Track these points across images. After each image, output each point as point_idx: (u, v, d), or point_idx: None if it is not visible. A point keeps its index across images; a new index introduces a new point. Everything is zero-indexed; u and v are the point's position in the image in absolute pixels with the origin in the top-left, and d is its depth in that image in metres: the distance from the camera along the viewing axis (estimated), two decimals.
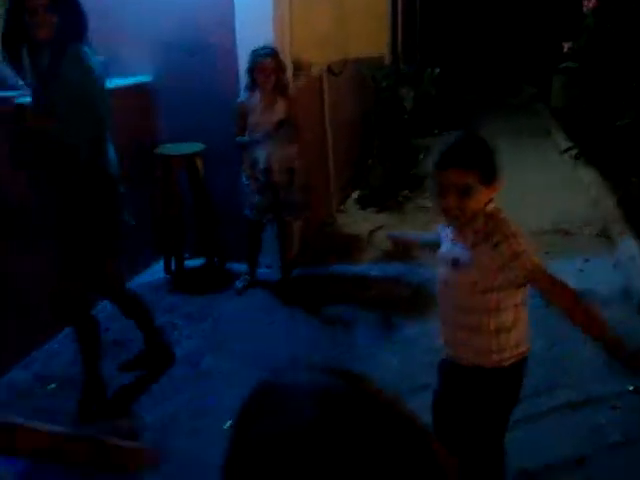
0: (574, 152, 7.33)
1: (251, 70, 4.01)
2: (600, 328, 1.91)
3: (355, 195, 6.27)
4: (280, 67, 4.06)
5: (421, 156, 7.44)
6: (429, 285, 4.37)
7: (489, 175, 1.94)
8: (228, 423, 2.77)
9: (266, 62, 3.95)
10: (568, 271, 4.69)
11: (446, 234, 2.14)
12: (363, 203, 6.07)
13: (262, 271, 4.53)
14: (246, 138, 4.06)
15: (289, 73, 4.41)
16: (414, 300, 4.20)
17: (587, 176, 6.75)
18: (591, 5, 5.61)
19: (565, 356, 3.49)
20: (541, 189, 6.64)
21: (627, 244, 4.83)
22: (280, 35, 4.37)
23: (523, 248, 1.92)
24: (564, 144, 7.89)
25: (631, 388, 3.25)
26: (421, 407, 3.04)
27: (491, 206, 2.00)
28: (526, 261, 1.91)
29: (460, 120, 10.02)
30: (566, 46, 7.29)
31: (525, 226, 6.01)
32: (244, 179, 4.16)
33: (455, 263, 2.04)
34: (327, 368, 0.76)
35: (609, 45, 5.90)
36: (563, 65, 7.43)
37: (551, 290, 1.97)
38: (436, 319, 2.25)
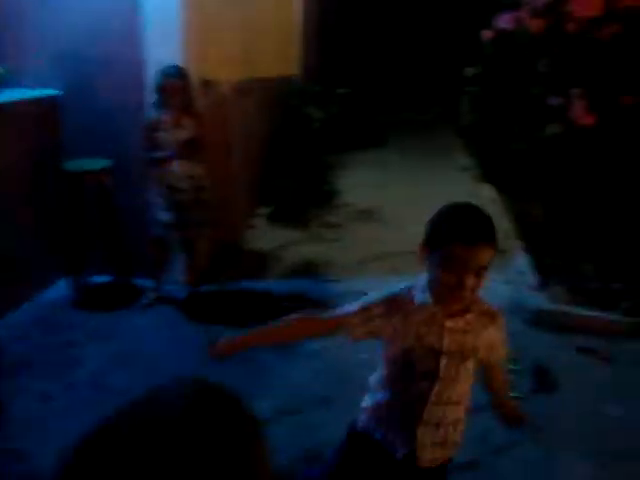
0: (475, 171, 7.71)
1: (158, 88, 4.04)
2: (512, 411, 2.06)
3: (264, 212, 6.37)
4: (187, 86, 4.11)
5: (330, 173, 7.64)
6: (335, 300, 4.52)
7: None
8: None
9: (173, 81, 4.00)
10: None
11: (426, 316, 1.82)
12: (272, 219, 6.18)
13: (169, 287, 4.54)
14: (156, 154, 4.09)
15: (196, 91, 4.47)
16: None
17: (486, 193, 7.13)
18: (489, 36, 5.96)
19: None
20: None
21: (519, 260, 5.16)
22: (187, 53, 4.42)
23: None
24: (466, 163, 8.28)
25: (517, 395, 3.48)
26: (321, 421, 3.18)
27: None
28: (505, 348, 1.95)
29: (370, 138, 10.35)
30: (469, 71, 7.67)
31: None
32: (153, 196, 4.17)
33: (456, 354, 1.83)
34: (201, 382, 0.81)
35: (505, 73, 6.27)
36: (467, 89, 7.82)
37: (503, 379, 2.03)
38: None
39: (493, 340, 1.89)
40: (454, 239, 1.67)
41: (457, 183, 8.01)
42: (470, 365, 1.87)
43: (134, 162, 4.26)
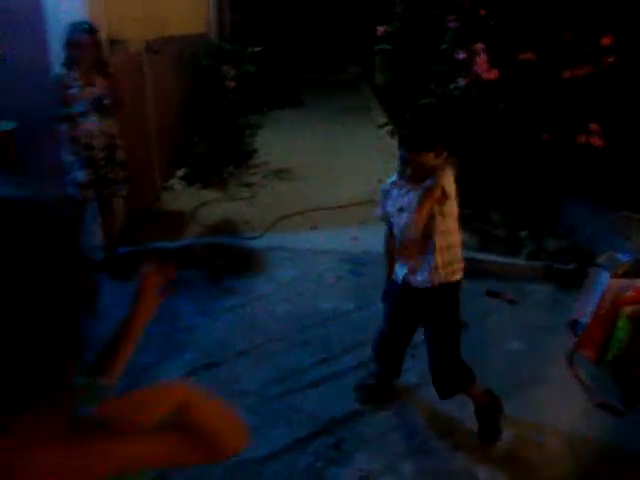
0: (390, 127, 7.83)
1: (67, 45, 3.92)
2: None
3: (181, 172, 6.30)
4: (97, 44, 4.00)
5: (247, 132, 7.59)
6: (250, 257, 4.60)
7: None
8: None
9: (82, 38, 3.88)
10: (379, 237, 5.13)
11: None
12: (188, 180, 6.13)
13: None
14: (68, 111, 3.97)
15: (106, 50, 4.36)
16: (235, 271, 4.38)
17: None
18: None
19: (371, 317, 3.84)
20: (360, 163, 7.09)
21: None
22: (94, 10, 4.30)
23: None
24: (382, 120, 8.40)
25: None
26: (243, 371, 3.26)
27: None
28: None
29: (287, 98, 10.32)
30: (380, 29, 7.72)
31: (343, 198, 6.36)
32: (67, 155, 4.06)
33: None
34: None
35: (415, 31, 6.38)
36: (379, 47, 7.88)
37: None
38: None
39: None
40: None
41: (372, 140, 8.15)
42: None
43: (43, 122, 4.13)
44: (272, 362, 3.39)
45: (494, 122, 4.81)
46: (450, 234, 2.69)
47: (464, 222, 4.93)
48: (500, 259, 4.58)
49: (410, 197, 2.66)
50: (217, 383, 3.20)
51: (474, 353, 3.51)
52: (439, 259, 2.68)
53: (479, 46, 4.34)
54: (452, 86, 4.71)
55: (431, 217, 2.59)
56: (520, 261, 4.56)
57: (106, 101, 4.02)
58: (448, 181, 2.56)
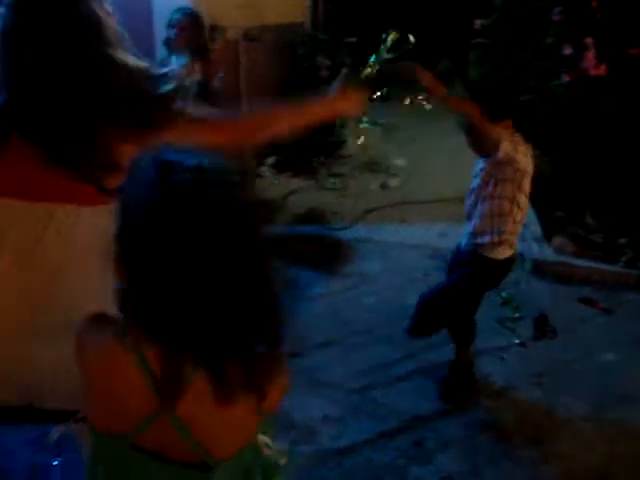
0: None
1: (167, 27, 4.03)
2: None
3: (271, 160, 6.35)
4: (198, 28, 4.09)
5: (338, 123, 7.56)
6: (338, 246, 4.59)
7: None
8: None
9: (181, 20, 3.98)
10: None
11: None
12: (278, 168, 6.18)
13: None
14: None
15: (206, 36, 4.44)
16: (322, 261, 4.38)
17: None
18: None
19: None
20: (450, 160, 6.94)
21: None
22: None
23: None
24: None
25: (517, 341, 3.55)
26: (326, 362, 3.25)
27: None
28: None
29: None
30: (477, 23, 7.51)
31: (433, 193, 6.23)
32: None
33: None
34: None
35: (516, 23, 6.18)
36: (475, 41, 7.68)
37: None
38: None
39: None
40: None
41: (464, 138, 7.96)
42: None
43: None
44: (356, 355, 3.37)
45: (597, 121, 4.60)
46: (501, 200, 2.71)
47: (558, 226, 4.79)
48: (595, 265, 4.38)
49: (478, 165, 2.84)
50: (299, 372, 3.20)
51: (564, 361, 3.39)
52: (477, 224, 2.78)
53: (589, 40, 4.15)
54: (555, 82, 4.53)
55: (482, 182, 2.75)
56: (617, 268, 4.35)
57: (203, 86, 4.09)
58: (511, 145, 2.61)
